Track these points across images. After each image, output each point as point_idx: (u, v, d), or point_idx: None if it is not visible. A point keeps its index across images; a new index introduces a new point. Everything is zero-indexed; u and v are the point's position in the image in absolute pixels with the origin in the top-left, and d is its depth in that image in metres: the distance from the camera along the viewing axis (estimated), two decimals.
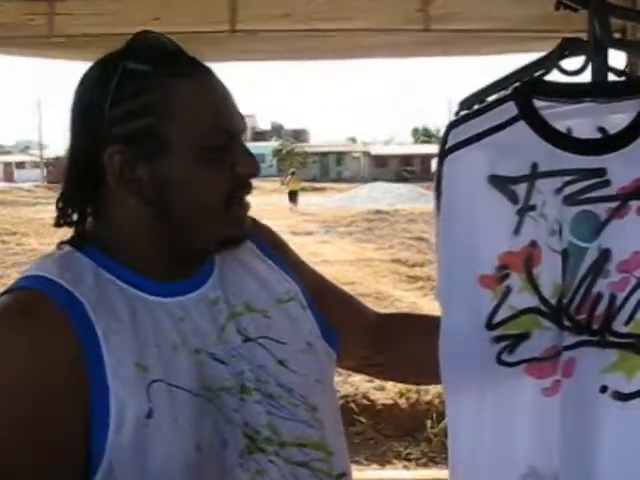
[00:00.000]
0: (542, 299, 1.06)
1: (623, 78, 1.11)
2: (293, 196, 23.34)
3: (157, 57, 0.94)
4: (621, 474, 1.08)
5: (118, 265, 0.95)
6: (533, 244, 1.05)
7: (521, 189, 1.05)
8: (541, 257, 1.05)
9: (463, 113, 1.10)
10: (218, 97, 0.97)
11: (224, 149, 0.95)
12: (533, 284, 1.06)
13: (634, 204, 1.03)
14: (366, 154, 47.46)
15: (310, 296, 1.10)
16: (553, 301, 1.06)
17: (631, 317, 1.05)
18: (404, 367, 1.25)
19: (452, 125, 1.08)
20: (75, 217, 0.98)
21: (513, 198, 1.05)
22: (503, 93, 1.09)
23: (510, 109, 1.06)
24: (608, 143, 1.05)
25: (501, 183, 1.05)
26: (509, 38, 2.54)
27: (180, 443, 0.87)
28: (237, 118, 0.98)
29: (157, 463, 0.86)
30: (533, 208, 1.05)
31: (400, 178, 38.51)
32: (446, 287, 1.09)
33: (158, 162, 0.93)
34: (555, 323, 1.06)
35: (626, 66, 1.19)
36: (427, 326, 1.11)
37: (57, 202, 0.97)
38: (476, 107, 1.10)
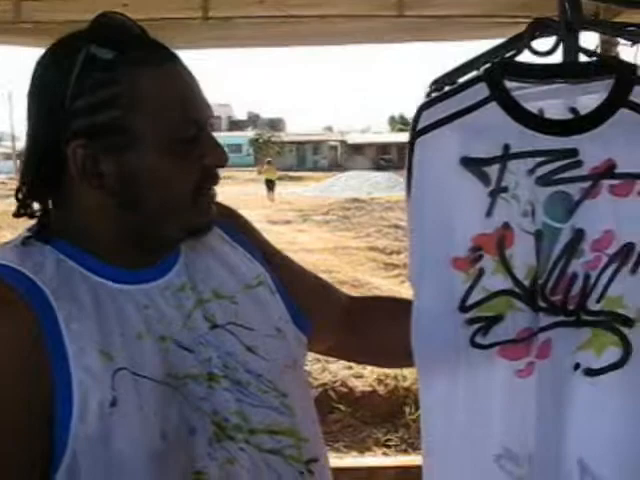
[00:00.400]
0: (515, 281, 1.06)
1: (594, 59, 1.11)
2: (270, 185, 23.37)
3: (122, 42, 0.91)
4: (590, 450, 1.08)
5: (82, 253, 0.94)
6: (506, 226, 1.05)
7: (493, 171, 1.04)
8: (514, 239, 1.05)
9: (434, 95, 1.09)
10: (186, 86, 0.94)
11: (193, 140, 0.93)
12: (506, 266, 1.05)
13: (605, 183, 1.03)
14: (343, 143, 47.44)
15: (279, 280, 1.09)
16: (527, 283, 1.05)
17: (602, 295, 1.05)
18: (376, 350, 1.24)
19: (423, 107, 1.06)
20: (36, 207, 0.95)
21: (485, 180, 1.05)
22: (474, 74, 1.08)
23: (481, 90, 1.05)
24: (579, 124, 1.04)
25: (473, 165, 1.04)
26: (483, 24, 2.54)
27: (145, 431, 0.86)
28: (204, 107, 0.96)
29: (122, 452, 0.84)
30: (505, 190, 1.04)
31: (377, 166, 38.48)
32: (418, 270, 1.09)
33: (123, 156, 0.90)
34: (529, 305, 1.06)
35: (596, 47, 1.19)
36: (398, 308, 1.11)
37: (16, 193, 0.95)
38: (447, 88, 1.09)
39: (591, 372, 1.06)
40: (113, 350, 0.88)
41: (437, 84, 1.12)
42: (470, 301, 1.06)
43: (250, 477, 0.93)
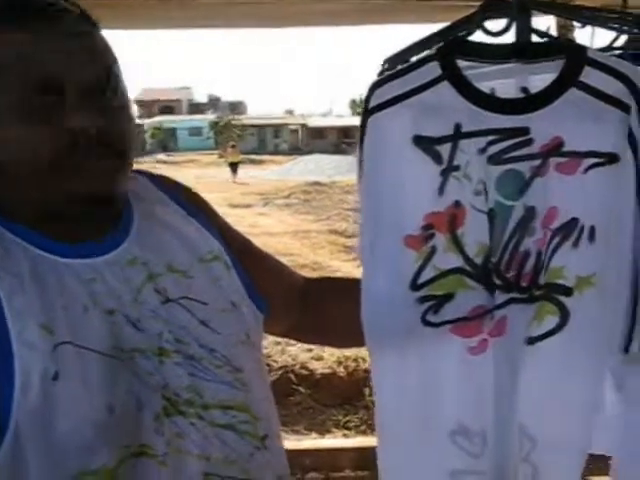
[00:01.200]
0: (467, 259, 1.07)
1: (545, 39, 1.11)
2: (234, 167, 23.62)
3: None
4: (529, 415, 1.10)
5: (22, 227, 0.92)
6: (457, 204, 1.06)
7: (445, 149, 1.05)
8: (465, 217, 1.06)
9: (387, 73, 1.09)
10: (50, 48, 0.89)
11: (53, 103, 0.89)
12: (458, 244, 1.06)
13: (553, 161, 1.05)
14: (304, 126, 47.31)
15: (236, 258, 1.09)
16: (478, 261, 1.07)
17: (546, 268, 1.07)
18: (331, 330, 1.25)
19: (375, 85, 1.06)
20: None
21: (437, 158, 1.05)
22: (427, 53, 1.08)
23: (434, 69, 1.05)
24: (530, 102, 1.05)
25: (425, 144, 1.05)
26: (448, 7, 2.53)
27: (90, 404, 0.85)
28: (75, 71, 0.90)
29: (65, 425, 0.84)
30: (457, 168, 1.05)
31: (338, 150, 38.44)
32: (369, 248, 1.09)
33: None
34: (481, 283, 1.07)
35: (548, 28, 1.19)
36: (352, 288, 1.10)
37: None
38: (400, 67, 1.09)
39: (532, 340, 1.09)
40: (55, 324, 0.86)
41: (390, 62, 1.11)
42: (421, 279, 1.07)
43: (200, 451, 0.93)
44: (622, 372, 1.15)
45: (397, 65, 1.10)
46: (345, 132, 44.35)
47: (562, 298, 1.08)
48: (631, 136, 1.02)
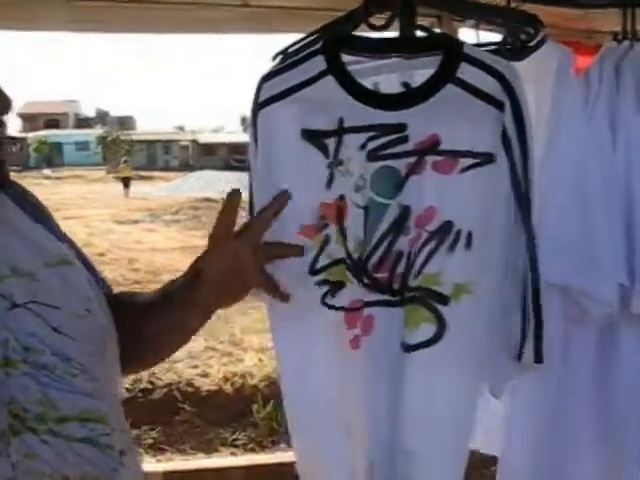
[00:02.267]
0: (347, 253, 1.07)
1: (426, 34, 1.11)
2: (127, 182, 23.69)
3: None
4: (403, 426, 1.08)
5: None
6: (341, 198, 1.06)
7: (332, 143, 1.05)
8: (347, 212, 1.06)
9: (275, 67, 1.08)
10: None
11: None
12: (343, 236, 1.06)
13: (430, 159, 1.03)
14: (194, 142, 46.95)
15: (85, 264, 1.02)
16: (355, 256, 1.06)
17: (420, 271, 1.06)
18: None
19: (264, 79, 1.06)
20: None
21: (325, 152, 1.05)
22: (313, 47, 1.07)
23: (319, 63, 1.05)
24: (408, 98, 1.04)
25: (314, 137, 1.05)
26: (331, 15, 2.52)
27: None
28: None
29: None
30: (341, 163, 1.05)
31: (229, 166, 38.36)
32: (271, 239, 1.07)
33: None
34: (356, 278, 1.07)
35: (432, 23, 1.19)
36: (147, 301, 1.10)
37: None
38: (288, 61, 1.08)
39: (408, 348, 1.07)
40: None
41: (280, 56, 1.12)
42: (318, 265, 1.08)
43: (54, 471, 0.84)
44: (509, 378, 1.15)
45: (287, 59, 1.09)
46: (235, 148, 44.28)
47: (439, 306, 1.06)
48: (505, 135, 1.02)
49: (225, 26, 2.91)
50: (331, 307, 1.08)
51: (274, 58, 1.15)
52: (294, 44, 1.15)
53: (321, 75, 1.04)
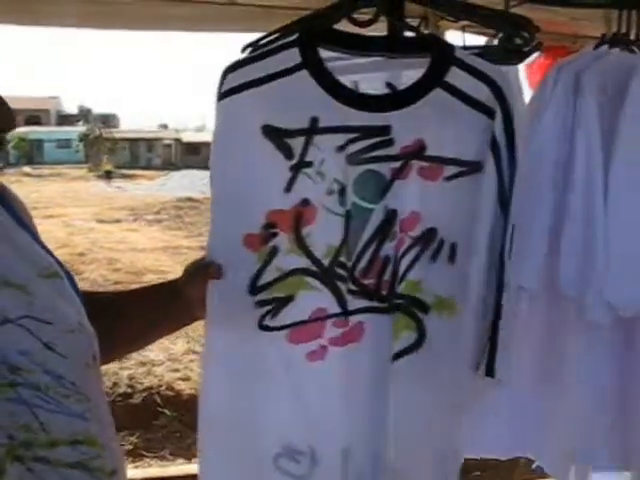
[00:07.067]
0: (313, 259, 1.01)
1: (415, 34, 1.05)
2: (109, 175, 24.70)
3: None
4: (375, 436, 1.05)
5: None
6: (305, 202, 1.00)
7: (297, 144, 0.98)
8: (315, 216, 1.00)
9: (242, 57, 1.01)
10: None
11: None
12: (302, 244, 1.01)
13: (415, 164, 0.99)
14: (178, 141, 46.78)
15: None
16: (325, 262, 1.01)
17: (403, 278, 1.02)
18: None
19: (228, 69, 0.98)
20: None
21: (287, 153, 0.99)
22: (288, 39, 1.00)
23: (293, 56, 0.98)
24: (394, 100, 0.99)
25: (275, 135, 0.98)
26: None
27: None
28: None
29: None
30: (309, 165, 0.99)
31: None
32: (213, 247, 1.01)
33: None
34: (326, 285, 1.02)
35: (420, 23, 1.13)
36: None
37: None
38: (258, 52, 1.01)
39: (394, 356, 1.03)
40: None
41: (250, 47, 1.04)
42: (261, 282, 1.01)
43: None
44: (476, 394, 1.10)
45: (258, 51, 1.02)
46: None
47: (419, 314, 1.03)
48: (494, 144, 0.97)
49: (210, 25, 2.86)
50: (272, 329, 1.02)
51: (243, 50, 1.09)
52: (267, 36, 1.08)
53: (295, 69, 0.98)
